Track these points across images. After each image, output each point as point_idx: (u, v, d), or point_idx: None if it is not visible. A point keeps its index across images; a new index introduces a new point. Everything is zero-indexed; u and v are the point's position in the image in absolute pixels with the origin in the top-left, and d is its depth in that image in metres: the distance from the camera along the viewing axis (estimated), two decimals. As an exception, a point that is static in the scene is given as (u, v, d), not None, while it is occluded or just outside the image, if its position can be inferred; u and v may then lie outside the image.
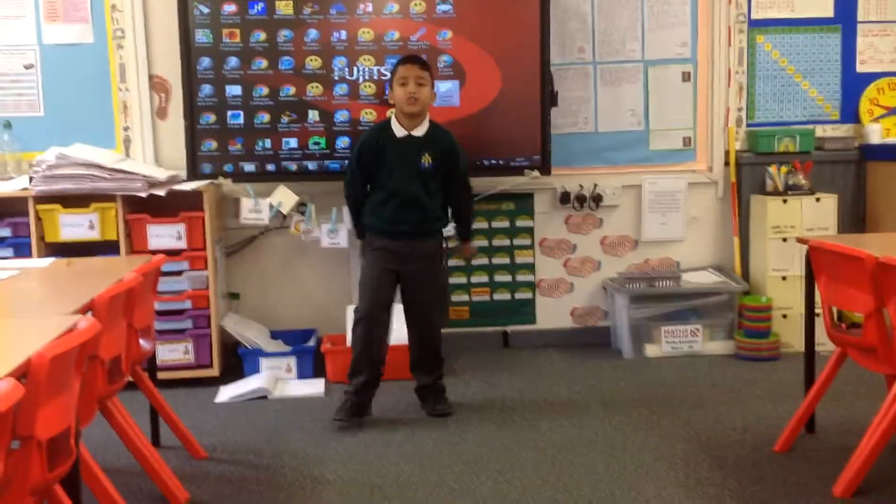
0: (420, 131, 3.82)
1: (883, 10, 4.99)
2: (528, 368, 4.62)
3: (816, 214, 4.73)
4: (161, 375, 3.80)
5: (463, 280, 4.97)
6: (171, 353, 4.38)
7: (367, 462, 3.36)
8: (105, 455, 3.30)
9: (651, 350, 4.76)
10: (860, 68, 5.03)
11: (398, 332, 3.97)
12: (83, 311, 2.43)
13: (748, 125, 5.02)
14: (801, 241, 3.44)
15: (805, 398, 3.35)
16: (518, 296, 5.03)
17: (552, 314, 5.06)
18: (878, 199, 4.86)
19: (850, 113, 5.05)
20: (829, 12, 4.98)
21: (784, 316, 4.72)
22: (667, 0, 4.88)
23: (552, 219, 5.01)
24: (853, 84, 5.03)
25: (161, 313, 4.24)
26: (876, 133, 4.94)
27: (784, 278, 4.73)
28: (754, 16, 4.95)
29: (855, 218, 4.94)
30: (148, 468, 2.98)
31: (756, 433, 3.55)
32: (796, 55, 5.00)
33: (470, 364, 4.64)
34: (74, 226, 4.26)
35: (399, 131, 3.82)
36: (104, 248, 4.24)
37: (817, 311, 3.36)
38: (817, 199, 4.75)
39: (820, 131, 5.01)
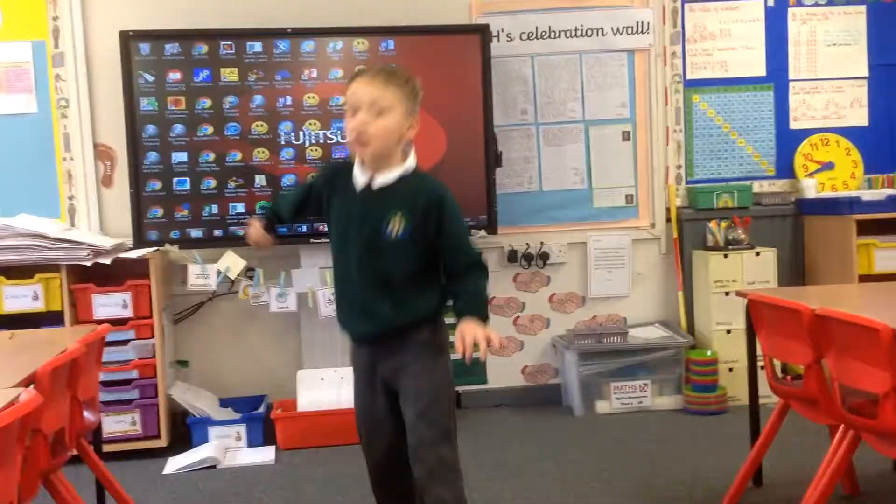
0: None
1: (813, 68, 5.17)
2: (481, 428, 4.62)
3: (757, 268, 4.83)
4: (107, 447, 3.73)
5: (413, 341, 4.96)
6: (118, 424, 4.31)
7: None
8: (49, 531, 3.21)
9: (601, 406, 4.79)
10: (793, 125, 5.20)
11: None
12: (25, 383, 2.39)
13: (688, 182, 5.14)
14: (740, 294, 3.50)
15: (751, 451, 3.39)
16: (469, 355, 5.03)
17: (503, 373, 5.08)
18: (816, 252, 4.99)
19: (785, 168, 5.20)
20: (761, 71, 5.15)
21: (730, 369, 4.78)
22: (604, 62, 5.02)
23: (500, 277, 5.06)
24: (787, 140, 5.19)
25: (107, 384, 4.18)
26: (811, 188, 5.08)
27: (728, 332, 4.81)
28: (689, 76, 5.10)
29: (794, 270, 5.06)
30: (93, 543, 2.91)
31: (706, 488, 3.57)
32: (731, 113, 5.15)
33: (422, 425, 4.62)
34: (18, 297, 4.20)
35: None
36: (49, 318, 4.19)
37: (760, 363, 3.42)
38: (757, 254, 4.85)
39: (757, 187, 5.15)
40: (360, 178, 2.53)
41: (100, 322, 3.91)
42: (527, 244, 5.02)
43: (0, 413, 1.95)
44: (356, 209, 2.52)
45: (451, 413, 2.61)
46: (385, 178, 2.50)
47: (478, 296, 2.55)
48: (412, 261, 2.50)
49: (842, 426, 2.85)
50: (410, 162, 2.54)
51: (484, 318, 2.51)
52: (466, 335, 2.44)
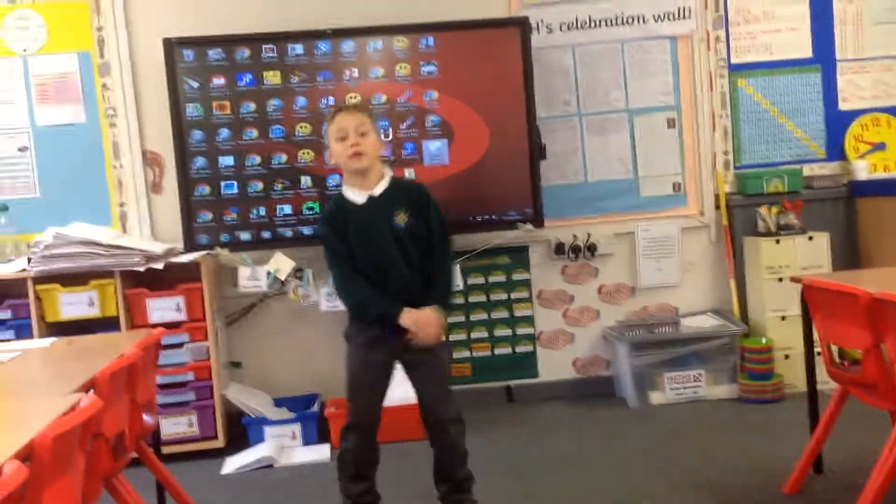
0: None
1: (860, 47, 5.08)
2: (533, 422, 4.61)
3: (810, 253, 4.76)
4: (165, 449, 3.79)
5: (463, 336, 4.98)
6: (175, 426, 4.37)
7: (375, 526, 3.33)
8: (112, 533, 3.27)
9: (655, 397, 4.75)
10: (842, 106, 5.10)
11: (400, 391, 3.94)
12: (85, 388, 2.43)
13: (736, 168, 5.07)
14: (794, 280, 3.45)
15: (811, 438, 3.34)
16: (519, 349, 5.03)
17: (554, 366, 5.06)
18: (870, 235, 4.90)
19: (835, 150, 5.11)
20: (807, 53, 5.07)
21: (786, 356, 4.72)
22: (646, 50, 4.97)
23: (548, 270, 5.04)
24: (837, 122, 5.10)
25: (163, 386, 4.24)
26: (863, 169, 4.99)
27: (783, 318, 4.74)
28: (734, 60, 5.04)
29: (848, 254, 4.97)
30: (156, 544, 2.96)
31: (764, 476, 3.53)
32: (778, 96, 5.07)
33: (474, 421, 4.57)
34: (74, 304, 4.28)
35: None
36: (104, 324, 4.25)
37: (817, 349, 3.37)
38: (810, 238, 4.78)
39: (807, 170, 5.07)
40: (357, 197, 3.19)
41: (154, 326, 3.97)
42: (574, 236, 5.00)
43: (62, 418, 1.99)
44: (368, 214, 3.16)
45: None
46: (381, 186, 3.20)
47: (444, 285, 3.24)
48: (420, 243, 3.18)
49: (903, 410, 2.80)
50: (389, 171, 3.28)
51: (446, 307, 3.21)
52: (421, 322, 3.12)
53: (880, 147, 5.10)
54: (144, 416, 3.09)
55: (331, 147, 3.23)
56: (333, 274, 3.28)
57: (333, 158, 3.29)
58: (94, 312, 4.30)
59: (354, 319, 3.28)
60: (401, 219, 3.16)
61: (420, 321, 3.10)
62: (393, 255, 3.14)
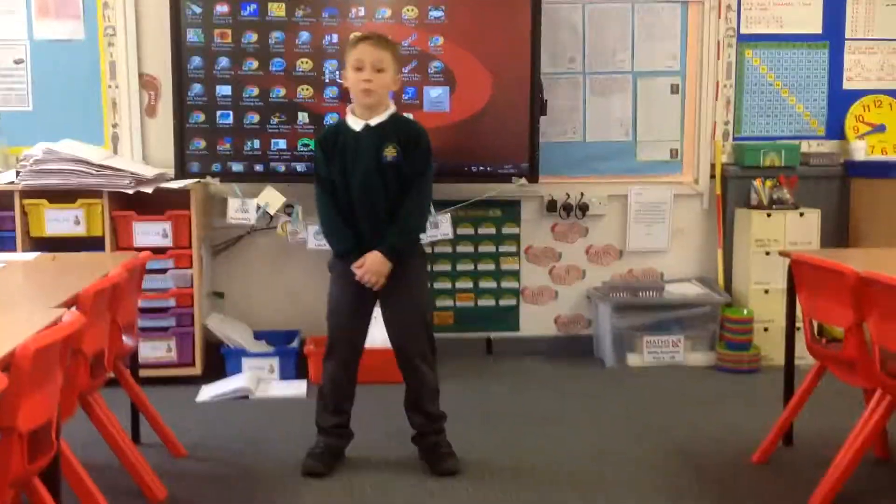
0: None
1: (870, 27, 5.04)
2: (511, 376, 4.64)
3: (800, 229, 4.77)
4: (143, 373, 3.78)
5: (448, 285, 4.98)
6: (154, 350, 4.38)
7: (347, 464, 3.36)
8: (85, 450, 3.24)
9: (633, 360, 4.79)
10: (847, 85, 5.08)
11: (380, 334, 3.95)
12: (68, 304, 2.43)
13: (734, 139, 5.06)
14: (783, 254, 3.46)
15: (784, 411, 3.37)
16: (502, 302, 5.05)
17: (536, 322, 5.08)
18: (861, 216, 4.91)
19: (835, 129, 5.10)
20: (817, 28, 5.03)
21: (765, 329, 4.74)
22: (657, 13, 4.92)
23: (538, 227, 5.04)
24: (839, 100, 5.08)
25: (145, 311, 4.23)
26: (861, 150, 4.98)
27: (766, 291, 4.76)
28: (743, 30, 4.99)
29: (838, 233, 4.98)
30: (127, 464, 2.98)
31: (735, 444, 3.57)
32: (784, 70, 5.04)
33: (453, 370, 4.64)
34: (60, 221, 4.25)
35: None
36: (89, 243, 4.23)
37: (798, 324, 3.39)
38: (801, 214, 4.78)
39: (805, 147, 5.06)
40: (355, 124, 3.25)
41: (139, 250, 3.95)
42: (567, 194, 4.98)
43: (44, 332, 1.99)
44: (361, 142, 3.22)
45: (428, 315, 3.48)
46: (380, 118, 3.25)
47: (403, 231, 3.24)
48: (399, 183, 3.22)
49: (879, 390, 2.83)
50: (392, 106, 3.30)
51: (394, 252, 3.22)
52: (365, 268, 3.22)
53: (880, 129, 5.09)
54: (124, 338, 3.09)
55: (346, 71, 3.26)
56: (316, 196, 3.36)
57: (346, 83, 3.32)
58: (79, 231, 4.28)
59: (334, 253, 3.38)
60: (389, 152, 3.21)
61: (365, 266, 3.20)
62: (375, 186, 3.21)
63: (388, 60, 3.19)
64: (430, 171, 3.34)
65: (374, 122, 3.24)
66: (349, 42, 3.33)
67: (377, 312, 3.38)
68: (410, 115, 4.44)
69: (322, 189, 3.30)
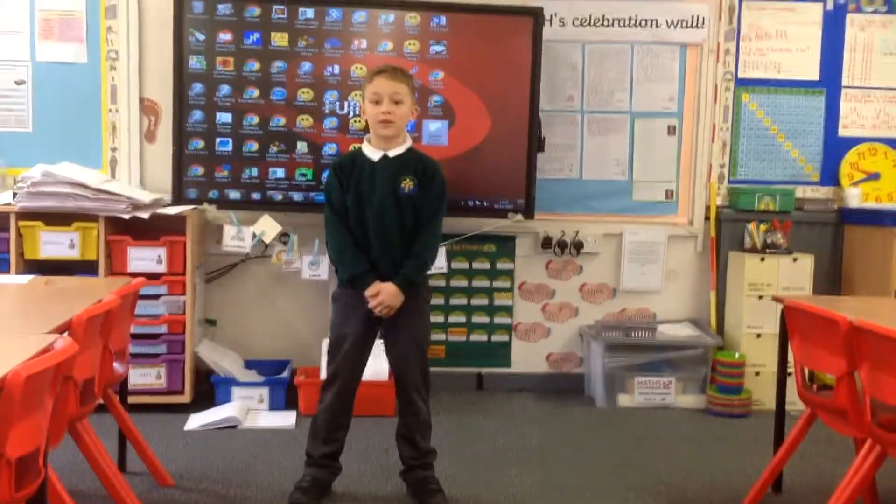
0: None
1: (867, 76, 5.09)
2: (500, 412, 4.63)
3: (793, 274, 4.78)
4: (132, 399, 3.77)
5: (440, 319, 4.98)
6: (144, 377, 4.36)
7: (334, 498, 3.34)
8: (71, 477, 3.26)
9: (624, 400, 4.78)
10: (842, 132, 5.12)
11: (373, 367, 3.95)
12: (60, 330, 2.42)
13: (730, 182, 5.09)
14: (776, 299, 3.47)
15: (773, 457, 3.37)
16: (495, 338, 5.04)
17: (528, 358, 5.08)
18: (854, 262, 4.93)
19: (830, 176, 5.13)
20: (814, 75, 5.07)
21: (757, 373, 4.74)
22: (656, 54, 4.96)
23: (533, 263, 5.05)
24: (835, 147, 5.11)
25: (136, 336, 4.21)
26: (855, 197, 5.01)
27: (758, 336, 4.76)
28: (741, 75, 5.04)
29: (830, 279, 5.00)
30: (113, 493, 2.95)
31: (724, 490, 3.55)
32: (780, 115, 5.08)
33: (443, 404, 4.64)
34: (55, 244, 4.24)
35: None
36: (83, 267, 4.22)
37: (789, 370, 3.39)
38: (794, 259, 4.80)
39: (800, 192, 5.09)
40: (372, 154, 3.29)
41: (133, 275, 3.95)
42: (562, 231, 5.00)
43: (36, 358, 1.98)
44: (378, 172, 3.26)
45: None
46: (398, 150, 3.30)
47: (419, 266, 3.29)
48: (417, 213, 3.27)
49: (869, 440, 2.82)
50: (409, 140, 3.35)
51: (409, 283, 3.25)
52: (381, 298, 3.22)
53: (874, 177, 5.12)
54: (115, 365, 3.08)
55: (364, 105, 3.31)
56: (326, 221, 3.35)
57: (364, 116, 3.37)
58: (74, 254, 4.27)
59: (340, 283, 3.36)
60: (406, 184, 3.26)
61: (381, 296, 3.21)
62: (390, 217, 3.24)
63: (404, 92, 3.25)
64: (444, 207, 3.38)
65: (392, 153, 3.29)
66: (366, 76, 3.41)
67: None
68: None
69: (335, 215, 3.30)
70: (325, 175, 4.48)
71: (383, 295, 3.20)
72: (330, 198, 3.34)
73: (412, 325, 3.32)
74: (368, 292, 3.22)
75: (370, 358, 3.40)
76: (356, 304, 3.26)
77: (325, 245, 4.37)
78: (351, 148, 3.57)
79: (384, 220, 3.25)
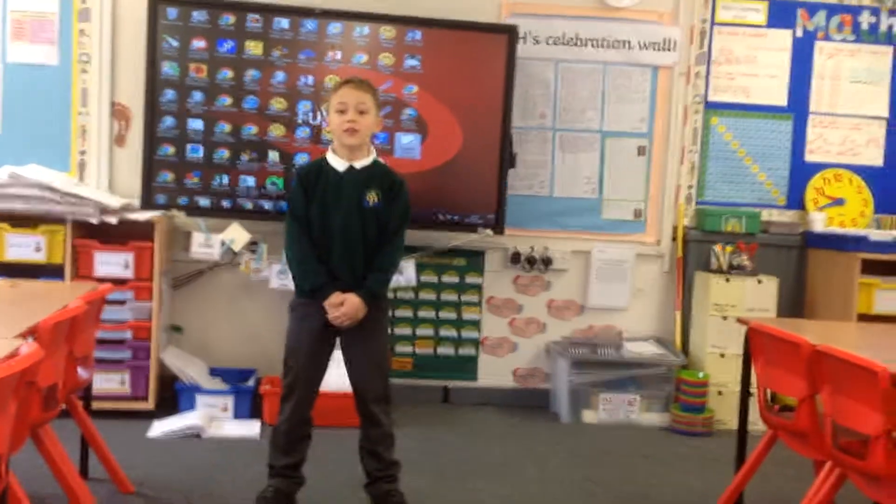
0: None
1: (834, 103, 5.18)
2: (466, 425, 4.63)
3: (757, 296, 4.84)
4: (95, 405, 3.72)
5: (408, 331, 4.98)
6: (107, 382, 4.32)
7: (297, 509, 3.33)
8: (32, 483, 3.20)
9: (588, 416, 4.80)
10: (809, 157, 5.20)
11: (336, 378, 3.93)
12: (25, 335, 2.40)
13: (697, 203, 5.15)
14: (741, 321, 3.51)
15: (735, 476, 3.40)
16: (462, 351, 5.06)
17: (494, 373, 5.09)
18: (818, 286, 5.00)
19: (796, 199, 5.20)
20: (782, 101, 5.16)
21: (720, 393, 4.79)
22: (628, 75, 5.02)
23: (501, 278, 5.07)
24: (801, 172, 5.19)
25: (101, 342, 4.18)
26: (820, 221, 5.09)
27: (722, 355, 4.82)
28: (711, 98, 5.11)
29: (794, 302, 5.07)
30: (74, 499, 2.92)
31: (685, 507, 3.59)
32: (748, 139, 5.16)
33: (409, 417, 4.63)
34: (21, 246, 4.20)
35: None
36: (49, 271, 4.19)
37: (752, 390, 3.43)
38: (759, 281, 4.86)
39: (766, 215, 5.16)
40: (338, 164, 3.28)
41: (100, 280, 3.92)
42: (531, 248, 5.03)
43: (1, 364, 1.96)
44: (343, 183, 3.25)
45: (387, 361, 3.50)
46: (364, 161, 3.29)
47: (383, 277, 3.30)
48: (380, 226, 3.27)
49: (829, 463, 2.86)
50: (374, 152, 3.36)
51: (373, 296, 3.25)
52: (345, 308, 3.21)
53: (839, 202, 5.20)
54: (80, 370, 3.06)
55: (329, 116, 3.31)
56: (287, 229, 3.31)
57: (329, 127, 3.36)
58: (39, 258, 4.23)
59: (298, 292, 3.35)
60: (371, 197, 3.26)
61: (344, 307, 3.20)
62: (354, 228, 3.24)
63: (370, 102, 3.25)
64: (408, 221, 3.39)
65: (358, 164, 3.28)
66: (331, 87, 3.40)
67: (336, 355, 3.38)
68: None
69: (296, 223, 3.28)
70: (296, 185, 4.50)
71: (347, 306, 3.19)
72: (292, 206, 3.32)
73: (371, 339, 3.31)
74: (332, 300, 3.20)
75: (336, 369, 3.39)
76: (313, 314, 3.25)
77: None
78: (303, 160, 3.57)
79: (348, 232, 3.24)
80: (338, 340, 3.34)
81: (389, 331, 4.92)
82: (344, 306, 3.19)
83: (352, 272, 3.25)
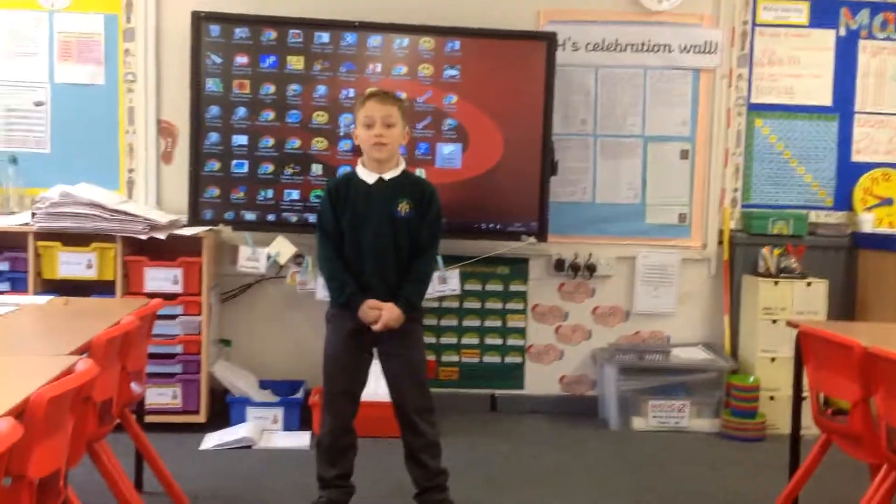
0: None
1: (880, 101, 5.11)
2: (514, 434, 4.63)
3: (807, 298, 4.78)
4: (148, 419, 3.78)
5: (453, 341, 4.99)
6: (159, 396, 4.38)
7: (348, 519, 3.35)
8: (89, 497, 3.26)
9: (637, 423, 4.77)
10: (855, 157, 5.13)
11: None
12: (80, 351, 2.44)
13: (743, 206, 5.10)
14: (791, 324, 3.47)
15: (789, 482, 3.36)
16: (508, 360, 5.05)
17: (541, 380, 5.08)
18: (868, 287, 4.92)
19: (843, 200, 5.13)
20: (827, 100, 5.09)
21: (771, 398, 4.74)
22: (669, 79, 4.99)
23: (546, 285, 5.06)
24: (848, 172, 5.12)
25: (151, 356, 4.19)
26: (868, 222, 5.02)
27: (773, 360, 4.76)
28: (754, 100, 5.06)
29: (844, 304, 4.99)
30: (130, 513, 2.96)
31: (738, 514, 3.55)
32: (793, 140, 5.10)
33: (456, 426, 4.64)
34: (73, 264, 4.28)
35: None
36: (100, 287, 4.26)
37: (804, 394, 3.38)
38: (808, 284, 4.80)
39: (813, 216, 5.09)
40: (367, 177, 3.30)
41: (150, 295, 3.97)
42: (575, 254, 5.01)
43: (58, 380, 2.00)
44: (373, 195, 3.27)
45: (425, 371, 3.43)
46: (393, 173, 3.31)
47: (418, 290, 3.32)
48: (412, 236, 3.28)
49: (885, 466, 2.82)
50: (403, 163, 3.36)
51: (411, 306, 3.27)
52: (385, 316, 3.23)
53: (888, 202, 5.12)
54: (133, 385, 3.11)
55: (356, 129, 3.32)
56: (318, 244, 3.35)
57: (357, 140, 3.36)
58: (91, 275, 4.30)
59: (332, 303, 3.38)
60: (402, 208, 3.27)
61: (383, 317, 3.22)
62: (386, 239, 3.25)
63: (396, 115, 3.26)
64: (441, 230, 3.40)
65: (387, 176, 3.30)
66: (358, 101, 3.39)
67: (376, 366, 3.40)
68: (423, 171, 4.52)
69: (325, 238, 3.31)
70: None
71: (385, 316, 3.21)
72: (321, 221, 3.35)
73: (408, 350, 3.33)
74: (370, 305, 3.22)
75: (381, 380, 3.41)
76: (349, 326, 3.28)
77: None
78: (344, 171, 3.59)
79: (380, 244, 3.26)
80: (375, 351, 3.36)
81: (435, 340, 4.94)
82: (383, 316, 3.22)
83: (385, 283, 3.27)
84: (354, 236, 3.28)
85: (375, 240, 3.26)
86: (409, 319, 3.28)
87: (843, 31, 5.07)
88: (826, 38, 5.07)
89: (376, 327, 3.22)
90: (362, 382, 3.37)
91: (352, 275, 3.27)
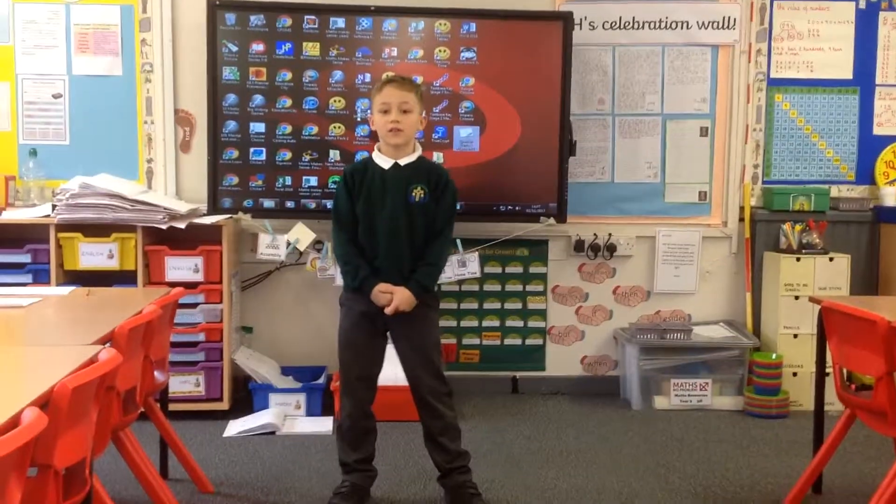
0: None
1: (902, 73, 5.05)
2: (536, 415, 4.63)
3: (829, 274, 4.74)
4: (171, 407, 3.81)
5: (475, 323, 5.00)
6: (182, 384, 4.41)
7: (374, 502, 3.36)
8: (115, 485, 3.32)
9: (660, 402, 4.76)
10: (877, 130, 5.07)
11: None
12: (102, 341, 2.46)
13: (764, 182, 5.06)
14: (813, 300, 3.45)
15: (813, 458, 3.35)
16: (529, 341, 5.05)
17: (562, 361, 5.08)
18: (891, 261, 4.88)
19: (865, 174, 5.08)
20: (847, 74, 5.03)
21: (794, 374, 4.72)
22: (687, 56, 4.95)
23: (565, 266, 5.05)
24: (870, 146, 5.07)
25: (174, 345, 4.22)
26: (891, 196, 4.97)
27: (795, 336, 4.73)
28: (773, 75, 5.01)
29: (867, 279, 4.96)
30: (156, 500, 2.99)
31: (763, 491, 3.54)
32: (814, 115, 5.05)
33: (478, 408, 4.65)
34: (94, 254, 4.31)
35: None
36: (121, 277, 4.29)
37: (828, 370, 3.37)
38: (830, 259, 4.76)
39: (835, 191, 5.05)
40: (383, 162, 3.32)
41: (171, 284, 4.00)
42: (595, 234, 5.00)
43: (82, 370, 2.02)
44: (389, 180, 3.28)
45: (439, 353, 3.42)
46: (409, 158, 3.32)
47: (431, 273, 3.31)
48: (427, 221, 3.30)
49: (910, 441, 2.80)
50: (419, 149, 3.38)
51: (423, 289, 3.28)
52: (396, 299, 3.23)
53: (911, 175, 5.08)
54: (156, 373, 3.13)
55: (373, 115, 3.34)
56: (333, 229, 3.39)
57: (373, 126, 3.38)
58: (112, 265, 4.33)
59: (347, 288, 3.39)
60: (417, 193, 3.29)
61: (395, 301, 3.22)
62: (401, 224, 3.27)
63: (413, 101, 3.27)
64: (455, 215, 3.42)
65: (403, 161, 3.31)
66: (375, 87, 3.40)
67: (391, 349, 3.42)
68: (441, 154, 4.52)
69: (339, 223, 3.34)
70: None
71: (397, 299, 3.22)
72: (336, 206, 3.37)
73: (421, 333, 3.33)
74: (382, 289, 3.23)
75: (399, 364, 3.42)
76: (362, 308, 3.30)
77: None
78: (362, 157, 3.59)
79: (395, 229, 3.27)
80: (389, 335, 3.38)
81: (455, 323, 4.95)
82: (395, 300, 3.22)
83: (399, 268, 3.28)
84: (369, 221, 3.30)
85: (390, 225, 3.27)
86: (421, 303, 3.28)
87: (862, 4, 5.00)
88: (846, 11, 5.01)
89: (388, 310, 3.23)
90: (378, 366, 3.38)
91: (366, 260, 3.29)
